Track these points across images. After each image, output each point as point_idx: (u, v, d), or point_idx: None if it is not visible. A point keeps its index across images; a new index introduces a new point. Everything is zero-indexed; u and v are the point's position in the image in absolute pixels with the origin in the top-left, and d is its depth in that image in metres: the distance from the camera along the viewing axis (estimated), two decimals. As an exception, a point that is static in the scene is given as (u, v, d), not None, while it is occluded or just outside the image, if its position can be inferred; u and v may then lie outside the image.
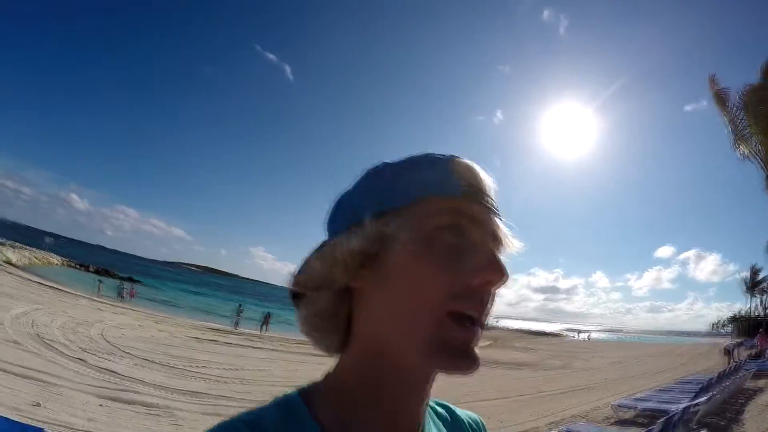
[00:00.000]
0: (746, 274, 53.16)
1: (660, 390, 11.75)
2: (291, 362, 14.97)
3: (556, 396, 13.06)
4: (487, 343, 44.88)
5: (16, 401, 6.29)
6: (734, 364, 16.96)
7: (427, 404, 0.63)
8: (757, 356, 21.70)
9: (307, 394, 0.58)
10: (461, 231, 0.55)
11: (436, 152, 0.60)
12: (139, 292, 35.19)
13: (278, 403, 0.56)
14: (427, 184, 0.56)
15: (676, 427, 6.19)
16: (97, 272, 51.05)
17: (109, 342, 12.53)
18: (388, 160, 0.61)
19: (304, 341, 0.70)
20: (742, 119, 14.67)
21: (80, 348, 10.90)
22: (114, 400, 7.38)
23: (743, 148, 15.15)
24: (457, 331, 0.52)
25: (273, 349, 17.65)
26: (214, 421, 0.51)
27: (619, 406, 9.59)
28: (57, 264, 49.13)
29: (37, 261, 42.07)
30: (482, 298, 0.55)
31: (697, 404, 8.04)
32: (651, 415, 8.37)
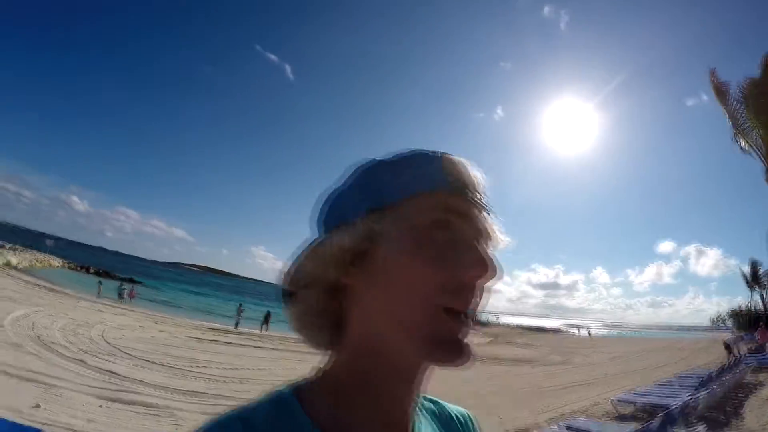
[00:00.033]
0: (747, 268, 52.98)
1: (660, 384, 11.73)
2: (291, 361, 14.95)
3: (556, 392, 13.05)
4: (488, 339, 44.85)
5: (17, 403, 6.30)
6: (734, 358, 16.96)
7: (419, 399, 0.64)
8: (758, 350, 21.68)
9: (299, 390, 0.59)
10: (451, 227, 0.56)
11: (426, 149, 0.60)
12: (140, 293, 35.11)
13: (270, 398, 0.57)
14: (417, 181, 0.57)
15: (675, 421, 6.19)
16: (97, 274, 51.05)
17: (109, 343, 12.52)
18: (378, 158, 0.62)
19: (305, 340, 0.71)
20: (742, 113, 14.62)
21: (80, 349, 10.90)
22: (114, 400, 7.38)
23: (743, 142, 15.10)
24: (448, 325, 0.53)
25: (273, 348, 17.63)
26: (214, 421, 0.52)
27: (619, 401, 9.59)
28: (57, 266, 49.15)
29: (37, 263, 42.05)
30: (472, 293, 0.56)
31: (696, 398, 8.05)
32: (651, 410, 8.36)
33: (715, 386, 9.55)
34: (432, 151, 0.60)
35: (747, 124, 14.60)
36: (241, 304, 29.11)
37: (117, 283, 36.72)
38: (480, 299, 0.57)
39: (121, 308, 23.70)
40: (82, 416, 6.39)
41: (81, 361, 9.73)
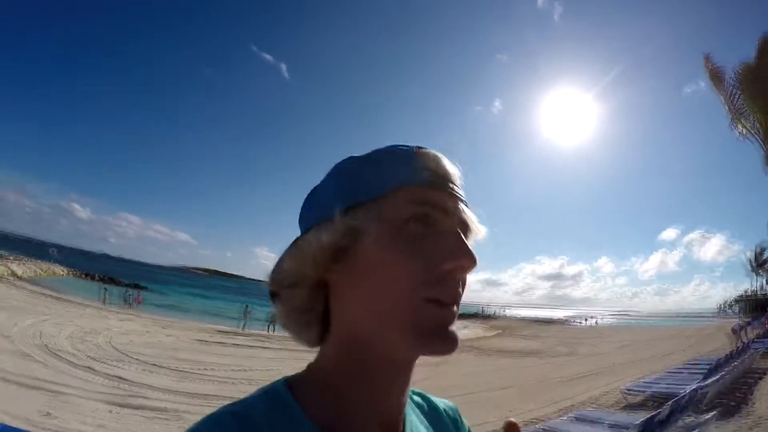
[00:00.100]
0: (751, 253, 52.92)
1: (668, 372, 11.73)
2: (299, 360, 14.70)
3: (564, 383, 13.08)
4: (495, 332, 44.96)
5: (27, 412, 6.34)
6: (742, 344, 16.95)
7: (409, 392, 0.64)
8: (765, 335, 21.63)
9: (292, 384, 0.59)
10: (429, 220, 0.56)
11: (402, 143, 0.61)
12: (146, 298, 35.28)
13: (265, 392, 0.57)
14: (394, 176, 0.57)
15: (684, 409, 6.20)
16: (102, 280, 51.15)
17: (116, 349, 12.58)
18: (355, 154, 0.62)
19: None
20: (738, 98, 14.57)
21: (88, 356, 10.96)
22: (123, 406, 7.43)
23: (741, 127, 15.06)
24: (432, 314, 0.53)
25: (281, 348, 17.68)
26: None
27: (628, 390, 9.60)
28: (62, 274, 49.24)
29: (42, 273, 42.16)
30: (454, 284, 0.56)
31: (705, 386, 8.05)
32: (660, 398, 8.37)
33: (723, 373, 9.54)
34: (407, 146, 0.60)
35: (744, 109, 14.54)
36: (247, 306, 29.19)
37: (122, 290, 36.93)
38: (462, 288, 0.57)
39: (127, 314, 23.81)
40: (91, 422, 6.44)
41: (89, 367, 9.79)
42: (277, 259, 0.60)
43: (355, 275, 0.56)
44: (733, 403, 8.25)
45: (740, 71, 14.26)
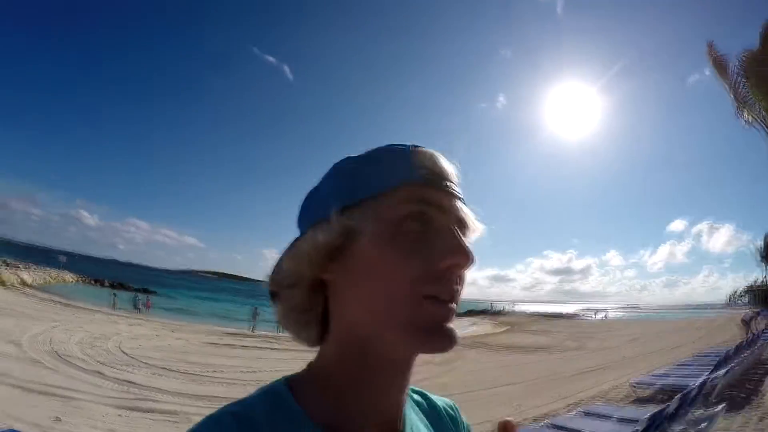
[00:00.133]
0: (760, 243, 52.38)
1: (678, 365, 11.65)
2: (308, 360, 14.98)
3: (573, 377, 13.03)
4: (504, 328, 44.82)
5: (37, 417, 6.39)
6: (752, 334, 16.81)
7: (408, 390, 0.65)
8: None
9: (292, 383, 0.60)
10: (426, 218, 0.56)
11: (397, 143, 0.61)
12: (154, 303, 35.36)
13: (265, 392, 0.58)
14: (390, 175, 0.57)
15: (694, 402, 6.15)
16: (111, 286, 51.40)
17: (126, 353, 12.65)
18: (350, 155, 0.62)
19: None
20: (743, 86, 14.40)
21: (98, 361, 11.02)
22: (133, 409, 7.48)
23: (747, 115, 14.89)
24: (430, 311, 0.54)
25: (290, 349, 17.69)
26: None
27: (638, 383, 9.54)
28: (71, 281, 49.44)
29: (51, 280, 42.33)
30: (451, 281, 0.56)
31: (715, 378, 7.99)
32: (670, 391, 8.31)
33: (733, 364, 9.46)
34: (403, 145, 0.60)
35: (749, 97, 14.38)
36: (256, 308, 29.18)
37: (131, 295, 36.99)
38: (460, 286, 0.57)
39: (137, 319, 23.90)
40: (102, 426, 6.48)
41: (99, 372, 9.85)
42: (276, 260, 0.61)
43: (352, 274, 0.57)
44: (742, 395, 8.19)
45: (744, 59, 14.09)
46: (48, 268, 50.16)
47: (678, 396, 5.96)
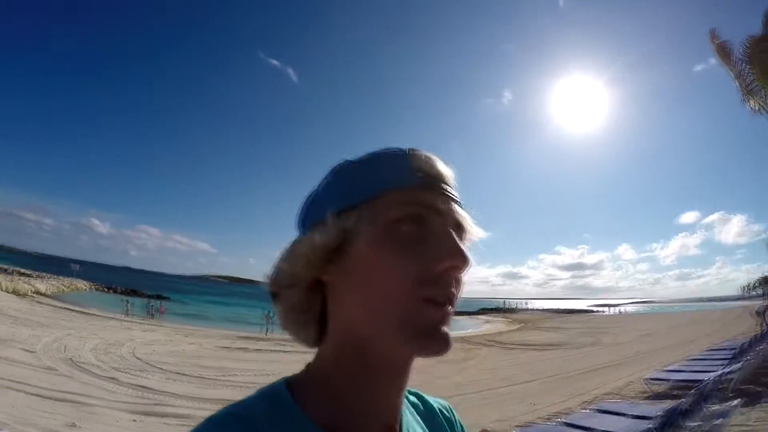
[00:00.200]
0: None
1: (692, 359, 11.53)
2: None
3: (587, 374, 12.96)
4: (517, 326, 44.75)
5: (52, 424, 6.46)
6: (767, 326, 16.63)
7: (405, 392, 0.65)
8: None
9: (292, 384, 0.60)
10: (422, 220, 0.57)
11: (396, 146, 0.61)
12: (168, 308, 35.61)
13: (264, 393, 0.58)
14: (387, 178, 0.57)
15: (708, 397, 6.09)
16: (124, 293, 51.80)
17: (140, 359, 12.75)
18: (349, 158, 0.63)
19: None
20: (748, 72, 14.18)
21: (112, 367, 11.12)
22: (147, 414, 7.54)
23: (753, 103, 14.66)
24: (427, 314, 0.54)
25: (304, 351, 17.67)
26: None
27: (652, 379, 9.45)
28: (85, 289, 49.87)
29: (65, 288, 42.69)
30: (448, 284, 0.56)
31: (729, 372, 7.91)
32: (685, 386, 8.22)
33: (748, 357, 9.36)
34: (400, 148, 0.61)
35: (754, 84, 14.15)
36: (269, 311, 29.21)
37: (145, 301, 37.34)
38: (458, 288, 0.57)
39: (150, 324, 24.11)
40: (115, 431, 6.53)
41: (113, 378, 9.93)
42: (275, 261, 0.62)
43: (350, 276, 0.57)
44: (758, 389, 8.09)
45: (747, 45, 13.87)
46: (61, 277, 50.80)
47: (692, 391, 5.92)
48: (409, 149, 0.60)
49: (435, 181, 0.58)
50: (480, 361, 18.17)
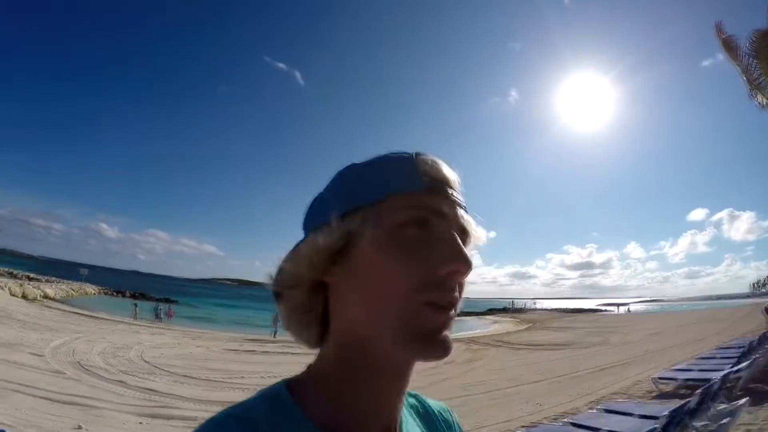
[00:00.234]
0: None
1: (701, 358, 11.45)
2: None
3: (595, 374, 12.90)
4: (525, 326, 44.61)
5: (59, 426, 6.51)
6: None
7: (405, 394, 0.65)
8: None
9: (292, 385, 0.61)
10: (426, 224, 0.57)
11: (402, 150, 0.62)
12: (176, 311, 35.72)
13: (264, 394, 0.59)
14: (392, 182, 0.58)
15: (715, 396, 6.05)
16: (133, 297, 52.04)
17: (147, 362, 12.81)
18: (355, 161, 0.63)
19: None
20: (755, 67, 14.04)
21: (120, 371, 11.18)
22: (153, 417, 7.58)
23: (760, 98, 14.51)
24: (429, 319, 0.54)
25: (311, 353, 17.79)
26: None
27: (660, 378, 9.38)
28: (93, 293, 50.10)
29: (73, 292, 42.95)
30: (451, 288, 0.56)
31: (737, 370, 7.85)
32: (693, 386, 8.16)
33: (757, 356, 9.28)
34: (406, 152, 0.61)
35: (762, 79, 14.02)
36: (276, 314, 29.25)
37: (153, 304, 37.43)
38: (460, 293, 0.58)
39: (158, 328, 24.22)
40: (122, 434, 6.57)
41: (121, 381, 9.99)
42: (279, 262, 0.62)
43: (353, 278, 0.57)
44: (767, 388, 8.03)
45: (754, 39, 13.73)
46: (70, 281, 51.15)
47: (699, 390, 5.87)
48: (415, 153, 0.61)
49: (440, 185, 0.59)
50: (488, 362, 18.12)
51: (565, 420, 6.58)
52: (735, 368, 7.97)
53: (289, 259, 0.60)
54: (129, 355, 13.74)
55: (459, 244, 0.56)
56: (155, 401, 8.63)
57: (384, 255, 0.55)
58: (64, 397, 8.09)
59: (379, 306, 0.55)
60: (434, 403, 0.77)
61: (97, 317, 24.82)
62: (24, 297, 28.90)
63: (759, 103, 14.62)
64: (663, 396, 8.59)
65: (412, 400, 0.74)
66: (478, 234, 0.62)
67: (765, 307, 22.80)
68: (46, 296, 32.72)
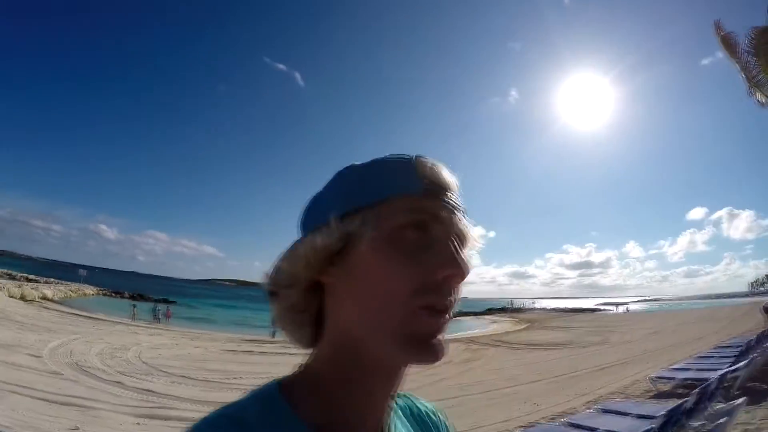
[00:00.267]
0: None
1: (699, 357, 11.46)
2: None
3: (593, 373, 12.91)
4: (524, 326, 44.66)
5: (56, 427, 6.51)
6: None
7: (395, 395, 0.66)
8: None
9: (285, 385, 0.60)
10: (424, 228, 0.57)
11: (401, 153, 0.62)
12: (174, 312, 35.72)
13: (257, 394, 0.59)
14: (391, 184, 0.58)
15: (713, 395, 6.05)
16: (131, 298, 52.13)
17: (145, 363, 12.80)
18: (355, 162, 0.63)
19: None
20: (754, 64, 14.04)
21: (117, 371, 11.18)
22: (151, 417, 7.57)
23: (759, 95, 14.51)
24: (424, 323, 0.54)
25: (307, 353, 17.82)
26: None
27: (657, 378, 9.40)
28: (92, 294, 50.06)
29: (72, 294, 42.94)
30: (446, 292, 0.56)
31: (735, 370, 7.85)
32: (691, 385, 8.16)
33: (755, 355, 9.29)
34: (406, 155, 0.61)
35: (761, 76, 14.01)
36: (273, 314, 29.30)
37: (151, 305, 37.46)
38: (456, 297, 0.58)
39: (156, 329, 24.22)
40: (119, 435, 6.56)
41: (118, 382, 9.98)
42: (275, 261, 0.62)
43: (349, 279, 0.57)
44: (765, 387, 8.03)
45: (753, 36, 13.72)
46: (69, 283, 51.17)
47: (696, 390, 5.87)
48: (415, 156, 0.61)
49: (439, 189, 0.59)
50: (486, 362, 18.12)
51: (563, 420, 6.58)
52: (732, 367, 7.98)
53: (286, 259, 0.60)
54: (127, 355, 13.73)
55: (456, 249, 0.56)
56: (153, 402, 8.62)
57: (383, 257, 0.55)
58: (61, 398, 8.08)
59: (376, 308, 0.55)
60: (424, 405, 0.77)
61: (95, 318, 24.83)
62: (22, 298, 28.86)
63: (758, 101, 14.62)
64: (661, 395, 8.59)
65: (401, 401, 0.74)
66: (476, 238, 0.62)
67: (763, 306, 22.83)
68: (44, 297, 32.68)
